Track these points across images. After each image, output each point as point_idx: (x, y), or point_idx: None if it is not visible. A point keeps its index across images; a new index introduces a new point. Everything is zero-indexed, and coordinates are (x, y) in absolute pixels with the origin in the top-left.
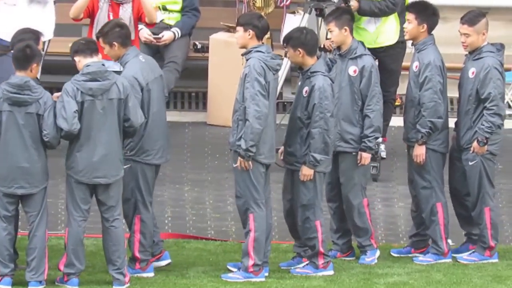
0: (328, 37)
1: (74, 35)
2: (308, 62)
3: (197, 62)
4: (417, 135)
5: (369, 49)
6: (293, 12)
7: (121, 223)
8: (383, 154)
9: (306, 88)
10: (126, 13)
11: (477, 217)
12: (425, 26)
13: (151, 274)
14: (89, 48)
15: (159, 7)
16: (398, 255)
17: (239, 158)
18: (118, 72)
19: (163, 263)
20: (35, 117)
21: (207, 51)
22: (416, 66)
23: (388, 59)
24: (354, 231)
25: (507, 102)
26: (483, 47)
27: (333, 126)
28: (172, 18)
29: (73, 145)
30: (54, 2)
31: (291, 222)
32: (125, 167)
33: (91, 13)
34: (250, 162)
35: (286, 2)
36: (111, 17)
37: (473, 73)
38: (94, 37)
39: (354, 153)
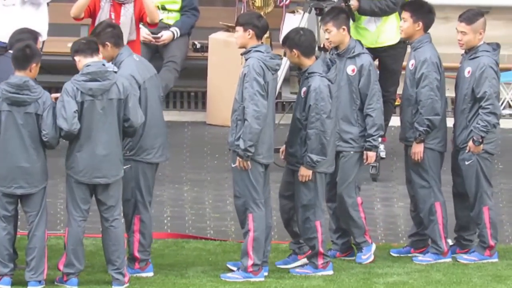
0: (326, 37)
1: (73, 35)
2: (305, 63)
3: (197, 62)
4: (414, 133)
5: (370, 49)
6: (293, 12)
7: (120, 223)
8: (383, 154)
9: (304, 89)
10: (127, 13)
11: (476, 217)
12: (421, 24)
13: (151, 274)
14: (90, 48)
15: (158, 6)
16: (398, 255)
17: (237, 158)
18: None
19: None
20: (34, 117)
21: (207, 51)
22: (412, 64)
23: (389, 59)
24: (348, 229)
25: (508, 102)
26: (479, 47)
27: (330, 128)
28: (171, 18)
29: (73, 145)
30: (48, 4)
31: (286, 218)
32: (125, 167)
33: (92, 13)
34: (248, 162)
35: (285, 1)
36: (113, 17)
37: (469, 72)
38: None
39: (352, 152)
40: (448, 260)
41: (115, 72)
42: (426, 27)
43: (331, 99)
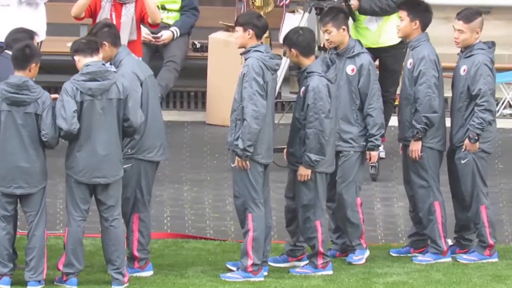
0: (325, 37)
1: (72, 35)
2: (304, 62)
3: (196, 62)
4: (412, 131)
5: (371, 49)
6: (293, 11)
7: (120, 223)
8: (382, 154)
9: (302, 89)
10: (128, 13)
11: (474, 217)
12: (418, 22)
13: (150, 273)
14: (90, 47)
15: (158, 6)
16: (397, 255)
17: (236, 157)
18: None
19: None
20: (34, 117)
21: (206, 51)
22: (411, 63)
23: (390, 59)
24: (344, 229)
25: (508, 101)
26: (475, 45)
27: (329, 127)
28: (171, 18)
29: (72, 145)
30: (45, 3)
31: (290, 218)
32: (125, 166)
33: (93, 13)
34: (247, 162)
35: (285, 1)
36: (114, 17)
37: (464, 70)
38: None
39: (352, 152)
40: (448, 259)
41: (115, 71)
42: (424, 26)
43: (329, 99)
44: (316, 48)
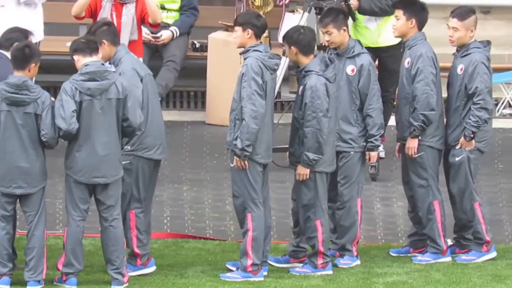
0: (326, 39)
1: (72, 34)
2: (303, 61)
3: (196, 61)
4: (410, 128)
5: (371, 49)
6: (292, 11)
7: (120, 223)
8: (382, 154)
9: (301, 88)
10: (129, 13)
11: (469, 214)
12: (414, 21)
13: (153, 268)
14: (89, 47)
15: (157, 6)
16: (397, 255)
17: (235, 157)
18: None
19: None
20: (33, 117)
21: (206, 50)
22: (408, 62)
23: (390, 59)
24: (339, 230)
25: (508, 101)
26: (470, 44)
27: (327, 126)
28: (170, 17)
29: (72, 145)
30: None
31: (297, 220)
32: (123, 163)
33: (93, 12)
34: (246, 162)
35: (285, 0)
36: (114, 17)
37: (461, 69)
38: None
39: (352, 152)
40: (448, 259)
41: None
42: (420, 25)
43: (328, 98)
44: (316, 47)
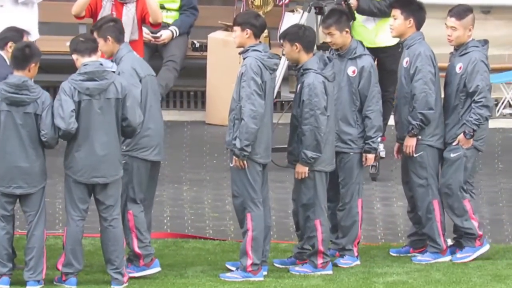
0: (328, 40)
1: (71, 34)
2: (303, 59)
3: (196, 61)
4: (408, 127)
5: (369, 49)
6: (292, 11)
7: (119, 223)
8: (382, 154)
9: (299, 86)
10: (129, 13)
11: (458, 211)
12: (412, 21)
13: (158, 269)
14: (87, 48)
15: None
16: (397, 255)
17: (234, 157)
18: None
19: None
20: (33, 117)
21: (206, 50)
22: (407, 62)
23: (388, 59)
24: (341, 230)
25: (508, 101)
26: (469, 43)
27: (325, 124)
28: (170, 17)
29: (71, 144)
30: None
31: (297, 221)
32: None
33: (93, 12)
34: (245, 161)
35: (285, 0)
36: (114, 17)
37: (460, 68)
38: None
39: (352, 153)
40: (447, 258)
41: (113, 71)
42: (418, 25)
43: (326, 96)
44: (315, 47)
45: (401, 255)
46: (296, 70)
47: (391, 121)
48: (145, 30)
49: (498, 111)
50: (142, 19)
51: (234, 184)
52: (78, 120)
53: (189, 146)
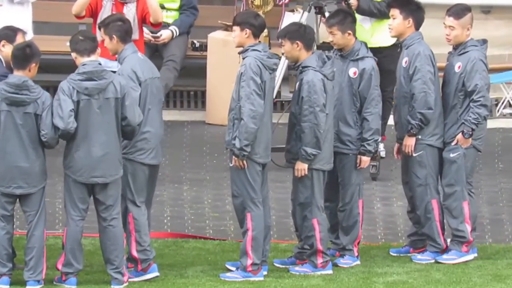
0: (329, 39)
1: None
2: (303, 57)
3: (196, 61)
4: (407, 126)
5: None
6: (292, 10)
7: (119, 223)
8: (383, 153)
9: (297, 83)
10: (130, 13)
11: (455, 212)
12: (411, 21)
13: (155, 274)
14: (86, 48)
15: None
16: (397, 255)
17: (233, 157)
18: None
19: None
20: (33, 117)
21: (206, 50)
22: (406, 61)
23: (385, 60)
24: (341, 230)
25: (508, 101)
26: (467, 42)
27: (324, 121)
28: (170, 17)
29: (70, 144)
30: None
31: (296, 222)
32: None
33: (94, 12)
34: (244, 161)
35: (285, 0)
36: None
37: (459, 67)
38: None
39: (351, 154)
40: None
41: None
42: (417, 24)
43: (325, 94)
44: (315, 47)
45: (401, 255)
46: (295, 68)
47: (391, 120)
48: (145, 30)
49: (498, 111)
50: (143, 19)
51: (233, 184)
52: (77, 120)
53: (189, 146)
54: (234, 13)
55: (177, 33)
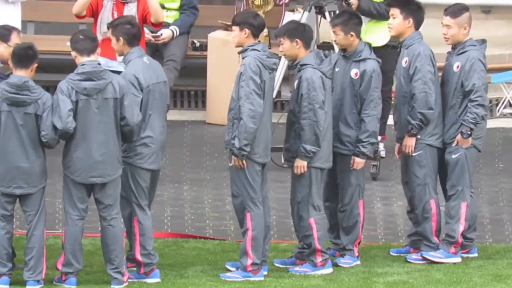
0: (332, 38)
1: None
2: (302, 55)
3: (196, 61)
4: (407, 126)
5: None
6: (292, 10)
7: (119, 222)
8: (383, 153)
9: (296, 81)
10: (130, 13)
11: (453, 211)
12: (411, 20)
13: (156, 280)
14: (86, 48)
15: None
16: (398, 254)
17: (233, 156)
18: (119, 73)
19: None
20: (34, 117)
21: (206, 50)
22: (406, 61)
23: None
24: (342, 230)
25: (508, 101)
26: (466, 42)
27: (323, 119)
28: (170, 16)
29: (69, 144)
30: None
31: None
32: None
33: (94, 11)
34: (244, 161)
35: (285, 0)
36: (115, 16)
37: (457, 67)
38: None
39: (350, 155)
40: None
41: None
42: (417, 24)
43: (324, 91)
44: (315, 47)
45: (401, 255)
46: (293, 67)
47: (390, 120)
48: (145, 29)
49: (498, 111)
50: (143, 19)
51: (233, 184)
52: (75, 120)
53: (190, 146)
54: (234, 13)
55: (178, 33)
